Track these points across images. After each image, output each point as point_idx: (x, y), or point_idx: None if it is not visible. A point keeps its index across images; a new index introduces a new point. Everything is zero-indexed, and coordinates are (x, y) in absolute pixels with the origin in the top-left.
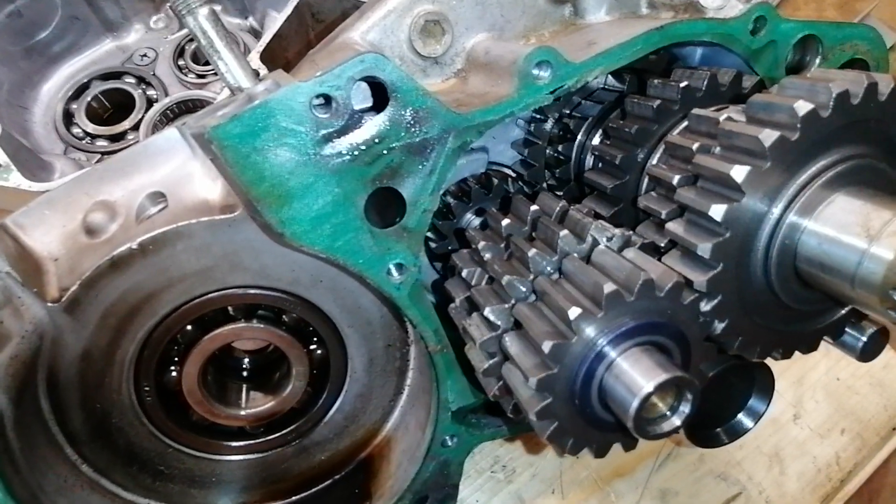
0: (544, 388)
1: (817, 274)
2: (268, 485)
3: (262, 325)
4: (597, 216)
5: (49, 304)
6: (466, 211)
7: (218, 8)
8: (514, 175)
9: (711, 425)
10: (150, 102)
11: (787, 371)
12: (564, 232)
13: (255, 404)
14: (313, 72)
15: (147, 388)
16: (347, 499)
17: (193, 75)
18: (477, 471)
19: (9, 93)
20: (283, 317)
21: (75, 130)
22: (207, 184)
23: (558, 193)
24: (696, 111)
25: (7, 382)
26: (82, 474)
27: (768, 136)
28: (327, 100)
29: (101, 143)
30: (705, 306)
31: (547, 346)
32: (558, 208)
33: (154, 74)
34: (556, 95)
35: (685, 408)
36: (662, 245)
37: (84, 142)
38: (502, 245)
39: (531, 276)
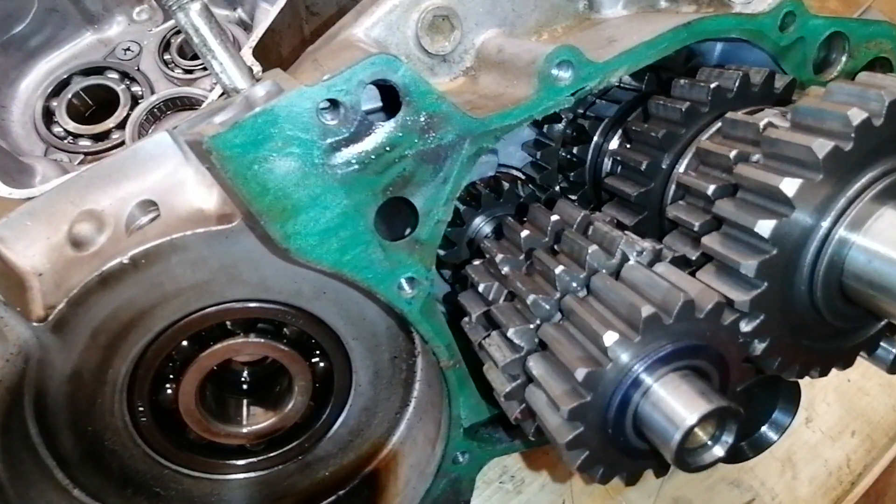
0: (576, 418)
1: (865, 291)
2: (270, 503)
3: (262, 340)
4: (619, 225)
5: (34, 324)
6: (476, 216)
7: None
8: (524, 178)
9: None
10: (134, 99)
11: None
12: (594, 247)
13: (256, 420)
14: (316, 73)
15: (141, 409)
16: None
17: (180, 70)
18: (485, 482)
19: None
20: (285, 330)
21: (56, 130)
22: (202, 191)
23: (572, 197)
24: (731, 115)
25: None
26: (74, 499)
27: (822, 147)
28: (335, 105)
29: (83, 142)
30: (745, 326)
31: (581, 374)
32: (580, 218)
33: (138, 69)
34: (576, 98)
35: (728, 437)
36: (693, 258)
37: (66, 142)
38: (521, 257)
39: (557, 295)
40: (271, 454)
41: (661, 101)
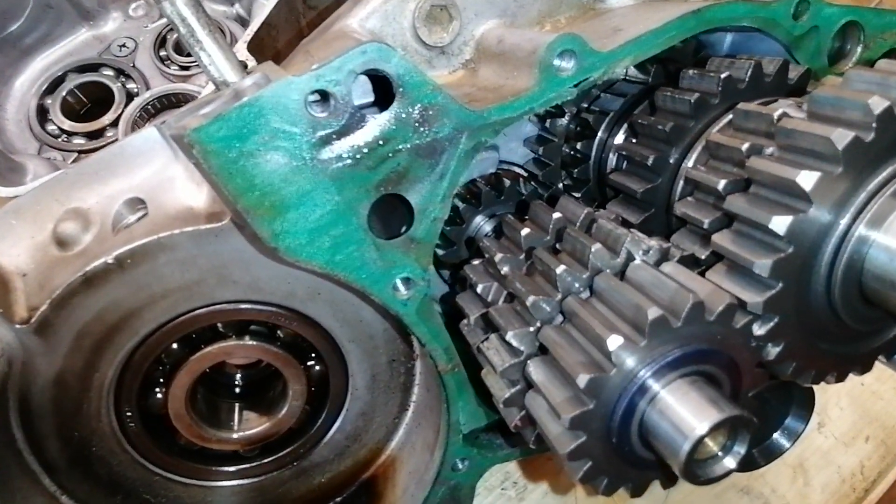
0: (578, 426)
1: (886, 292)
2: None
3: (254, 343)
4: (624, 223)
5: (17, 326)
6: (476, 215)
7: None
8: (526, 175)
9: None
10: (129, 96)
11: None
12: (597, 246)
13: (249, 426)
14: (308, 64)
15: (129, 414)
16: None
17: (176, 67)
18: (486, 488)
19: None
20: (278, 332)
21: (50, 128)
22: (191, 189)
23: (575, 195)
24: (742, 105)
25: None
26: None
27: (842, 137)
28: (325, 96)
29: (77, 140)
30: (759, 329)
31: (582, 381)
32: (583, 215)
33: (134, 66)
34: (580, 89)
35: (740, 448)
36: (703, 257)
37: (60, 140)
38: (521, 257)
39: (558, 296)
40: (265, 460)
41: (668, 93)
